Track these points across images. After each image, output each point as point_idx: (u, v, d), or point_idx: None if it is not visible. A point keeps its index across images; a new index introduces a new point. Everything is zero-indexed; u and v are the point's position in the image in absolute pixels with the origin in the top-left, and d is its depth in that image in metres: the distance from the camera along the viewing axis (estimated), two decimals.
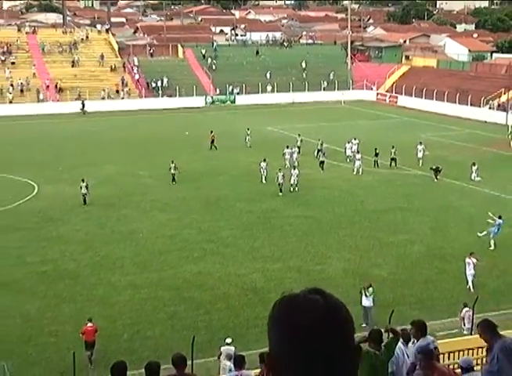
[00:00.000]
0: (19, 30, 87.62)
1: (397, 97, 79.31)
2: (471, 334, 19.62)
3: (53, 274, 27.90)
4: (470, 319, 21.12)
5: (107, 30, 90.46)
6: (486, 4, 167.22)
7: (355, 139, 48.82)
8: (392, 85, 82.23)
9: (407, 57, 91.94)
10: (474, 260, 26.15)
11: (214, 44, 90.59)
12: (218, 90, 79.69)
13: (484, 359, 10.43)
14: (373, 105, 77.87)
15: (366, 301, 23.23)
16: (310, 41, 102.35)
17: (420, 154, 46.55)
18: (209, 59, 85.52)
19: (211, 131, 52.96)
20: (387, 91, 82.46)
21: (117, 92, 76.76)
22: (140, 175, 44.55)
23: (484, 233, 30.94)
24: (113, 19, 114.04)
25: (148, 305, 24.94)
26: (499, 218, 31.00)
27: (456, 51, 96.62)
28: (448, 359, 15.62)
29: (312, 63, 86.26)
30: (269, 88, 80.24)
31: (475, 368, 10.35)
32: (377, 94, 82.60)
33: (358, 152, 46.40)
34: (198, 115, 70.56)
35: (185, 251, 30.57)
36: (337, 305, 2.14)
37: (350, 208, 37.32)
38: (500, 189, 40.68)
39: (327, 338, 2.06)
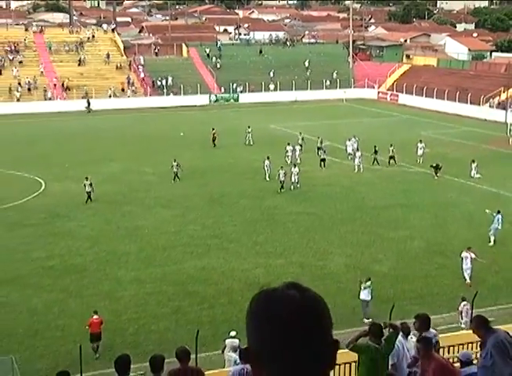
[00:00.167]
0: (26, 29, 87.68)
1: (398, 95, 79.22)
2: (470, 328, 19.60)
3: (60, 269, 27.95)
4: (468, 313, 21.10)
5: (113, 30, 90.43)
6: (486, 4, 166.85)
7: (354, 137, 48.81)
8: (393, 84, 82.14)
9: (408, 56, 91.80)
10: (472, 254, 26.21)
11: (218, 43, 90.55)
12: (222, 89, 79.66)
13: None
14: (374, 103, 77.76)
15: (362, 295, 23.38)
16: (312, 40, 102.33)
17: (420, 152, 46.50)
18: (213, 58, 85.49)
19: (213, 129, 52.99)
20: (388, 89, 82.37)
21: (123, 90, 76.79)
22: (145, 172, 44.58)
23: (490, 211, 31.15)
24: (118, 19, 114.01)
25: (152, 300, 24.98)
26: (498, 212, 31.08)
27: (456, 50, 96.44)
28: (448, 352, 15.60)
29: (315, 62, 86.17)
30: (272, 86, 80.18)
31: (474, 362, 10.34)
32: (378, 92, 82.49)
33: (357, 150, 46.41)
34: (202, 113, 70.53)
35: (189, 247, 30.60)
36: (315, 300, 2.13)
37: (351, 205, 37.31)
38: (499, 186, 40.62)
39: (304, 331, 2.05)
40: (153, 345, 20.35)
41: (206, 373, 10.58)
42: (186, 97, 75.93)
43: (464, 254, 26.33)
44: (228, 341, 18.97)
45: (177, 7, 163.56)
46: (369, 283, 23.47)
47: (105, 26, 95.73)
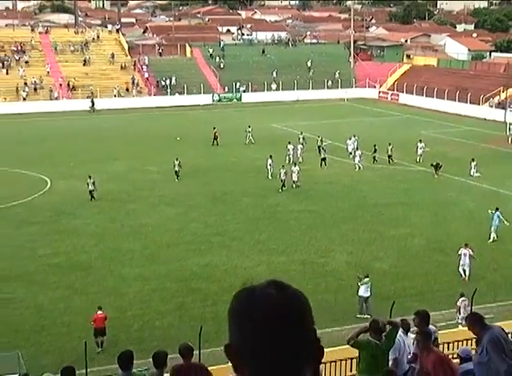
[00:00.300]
0: (32, 30, 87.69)
1: (398, 95, 79.14)
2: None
3: (65, 266, 27.99)
4: (467, 309, 21.11)
5: (117, 30, 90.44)
6: (485, 4, 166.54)
7: (354, 136, 48.81)
8: (394, 83, 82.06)
9: (408, 56, 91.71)
10: (470, 251, 26.31)
11: (222, 43, 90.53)
12: (226, 88, 79.61)
13: None
14: (375, 103, 77.69)
15: (360, 291, 23.44)
16: (314, 40, 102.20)
17: (420, 151, 46.47)
18: (217, 58, 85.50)
19: (214, 128, 52.99)
20: (388, 89, 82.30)
21: (127, 90, 76.81)
22: (149, 170, 44.61)
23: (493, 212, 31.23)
24: (123, 20, 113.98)
25: (156, 297, 25.01)
26: (496, 210, 31.20)
27: (456, 50, 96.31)
28: (448, 349, 15.60)
29: (316, 62, 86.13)
30: (274, 86, 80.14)
31: (473, 358, 10.34)
32: (379, 92, 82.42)
33: (357, 149, 46.45)
34: (205, 112, 70.54)
35: (193, 244, 30.62)
36: (295, 298, 2.08)
37: (352, 203, 37.31)
38: (499, 184, 40.60)
39: (284, 329, 2.02)
40: (157, 341, 20.37)
41: (209, 368, 10.59)
42: (190, 97, 75.93)
43: (462, 250, 26.45)
44: None
45: (180, 8, 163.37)
46: (366, 279, 23.51)
47: (109, 26, 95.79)
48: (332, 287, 25.80)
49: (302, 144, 48.08)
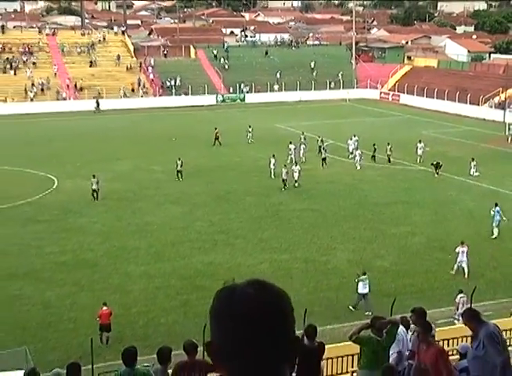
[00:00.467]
0: (40, 32, 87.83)
1: (399, 96, 79.06)
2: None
3: (72, 264, 28.02)
4: (465, 305, 21.09)
5: (123, 32, 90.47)
6: (485, 6, 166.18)
7: (354, 136, 48.79)
8: (395, 84, 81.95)
9: (409, 57, 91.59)
10: (465, 248, 26.45)
11: (226, 45, 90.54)
12: (231, 89, 79.59)
13: None
14: (376, 103, 77.61)
15: (359, 288, 23.48)
16: (316, 42, 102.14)
17: (419, 152, 46.41)
18: (221, 59, 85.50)
19: (215, 128, 52.97)
20: (390, 90, 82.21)
21: (133, 90, 76.84)
22: (154, 170, 44.62)
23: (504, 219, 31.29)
24: (128, 22, 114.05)
25: (161, 294, 25.03)
26: (496, 205, 31.40)
27: (456, 51, 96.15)
28: (448, 345, 15.59)
29: (319, 64, 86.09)
30: (276, 87, 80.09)
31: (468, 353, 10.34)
32: (380, 93, 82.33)
33: (356, 148, 46.46)
34: (209, 113, 70.52)
35: (197, 243, 30.63)
36: (276, 297, 2.06)
37: (354, 202, 37.29)
38: (498, 183, 40.56)
39: (265, 329, 2.00)
40: (162, 338, 20.36)
41: None
42: (194, 97, 75.92)
43: (461, 248, 26.56)
44: None
45: (185, 10, 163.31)
46: (363, 276, 23.55)
47: (115, 28, 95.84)
48: (334, 284, 25.80)
49: (305, 144, 48.05)
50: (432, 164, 42.83)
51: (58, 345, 21.10)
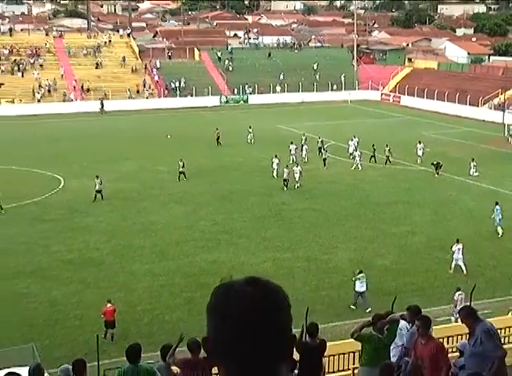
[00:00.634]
0: (47, 34, 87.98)
1: (400, 97, 79.00)
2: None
3: (78, 262, 28.05)
4: (463, 302, 21.07)
5: (128, 35, 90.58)
6: (484, 9, 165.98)
7: (355, 137, 48.76)
8: (396, 86, 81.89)
9: (410, 59, 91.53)
10: (460, 245, 26.56)
11: (229, 47, 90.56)
12: (235, 90, 79.57)
13: None
14: (377, 104, 77.57)
15: (356, 286, 23.51)
16: (318, 44, 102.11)
17: (419, 152, 46.36)
18: (226, 61, 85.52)
19: (216, 129, 52.94)
20: (390, 91, 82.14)
21: (138, 92, 76.89)
22: (158, 170, 44.62)
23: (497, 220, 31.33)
24: (134, 24, 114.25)
25: (166, 292, 25.04)
26: (496, 204, 31.47)
27: (456, 54, 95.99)
28: (448, 343, 15.57)
29: (321, 65, 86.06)
30: (279, 88, 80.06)
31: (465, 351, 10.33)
32: (381, 94, 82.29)
33: (356, 149, 46.44)
34: (213, 114, 70.54)
35: (201, 241, 30.64)
36: (273, 295, 2.03)
37: (355, 201, 37.26)
38: (497, 183, 40.51)
39: (261, 327, 1.98)
40: (166, 335, 20.34)
41: None
42: (198, 98, 75.96)
43: (458, 246, 26.62)
44: None
45: (189, 13, 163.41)
46: (360, 275, 23.57)
47: (121, 31, 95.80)
48: (335, 283, 25.80)
49: (307, 145, 48.01)
50: (432, 163, 42.78)
51: (64, 341, 21.13)
